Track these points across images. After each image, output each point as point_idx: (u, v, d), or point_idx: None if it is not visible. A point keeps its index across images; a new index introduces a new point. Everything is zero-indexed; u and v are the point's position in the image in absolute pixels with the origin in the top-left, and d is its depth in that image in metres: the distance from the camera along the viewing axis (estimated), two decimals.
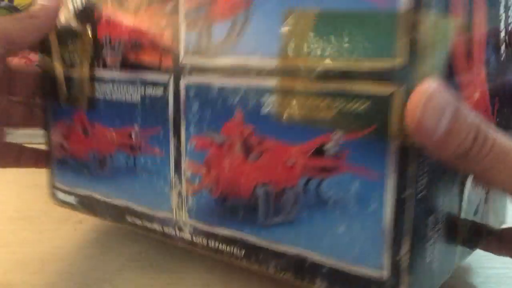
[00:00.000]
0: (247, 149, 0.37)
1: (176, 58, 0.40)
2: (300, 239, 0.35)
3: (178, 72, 0.41)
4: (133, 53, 0.44)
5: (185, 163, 0.41)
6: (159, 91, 0.42)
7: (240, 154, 0.38)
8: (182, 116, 0.41)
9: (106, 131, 0.47)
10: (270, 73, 0.35)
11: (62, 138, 0.52)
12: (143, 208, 0.45)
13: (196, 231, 0.42)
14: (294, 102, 0.34)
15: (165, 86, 0.42)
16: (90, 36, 0.47)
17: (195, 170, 0.41)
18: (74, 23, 0.47)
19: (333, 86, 0.32)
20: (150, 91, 0.43)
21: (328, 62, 0.32)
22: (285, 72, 0.34)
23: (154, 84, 0.42)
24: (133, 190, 0.46)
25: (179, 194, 0.42)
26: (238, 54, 0.36)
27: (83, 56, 0.48)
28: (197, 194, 0.41)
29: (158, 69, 0.42)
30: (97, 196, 0.49)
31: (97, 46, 0.46)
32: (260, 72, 0.36)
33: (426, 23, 0.28)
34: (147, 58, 0.43)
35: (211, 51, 0.38)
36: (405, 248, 0.30)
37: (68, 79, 0.49)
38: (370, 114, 0.30)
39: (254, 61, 0.36)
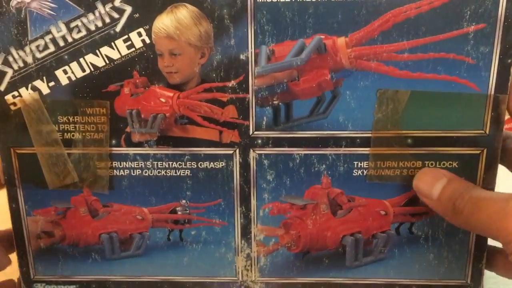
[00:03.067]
0: (335, 208, 0.45)
1: (244, 131, 0.42)
2: (389, 272, 0.46)
3: (246, 144, 0.42)
4: (179, 128, 0.42)
5: (256, 229, 0.45)
6: (219, 164, 0.43)
7: (326, 213, 0.45)
8: (253, 185, 0.44)
9: (132, 210, 0.45)
10: (362, 143, 0.42)
11: (48, 226, 0.46)
12: (193, 278, 0.48)
13: (268, 287, 0.48)
14: (387, 165, 0.43)
15: (228, 158, 0.43)
16: (105, 110, 0.41)
17: (269, 233, 0.45)
18: (69, 96, 0.41)
19: (425, 150, 0.42)
20: (206, 164, 0.43)
21: (423, 131, 0.41)
22: (379, 141, 0.42)
23: (213, 157, 0.43)
24: (176, 263, 0.47)
25: (248, 256, 0.46)
26: (325, 128, 0.41)
27: (92, 132, 0.42)
28: (272, 253, 0.46)
29: (217, 142, 0.43)
30: (113, 278, 0.48)
31: (116, 121, 0.42)
32: (351, 143, 0.42)
33: (504, 104, 0.40)
34: (201, 132, 0.42)
35: (291, 125, 0.41)
36: (484, 259, 0.45)
37: (70, 160, 0.43)
38: (458, 171, 0.42)
39: (344, 134, 0.42)
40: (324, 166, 0.43)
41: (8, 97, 0.41)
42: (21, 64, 0.40)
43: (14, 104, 0.42)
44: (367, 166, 0.43)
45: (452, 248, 0.45)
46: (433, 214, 0.44)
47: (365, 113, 0.41)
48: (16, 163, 0.43)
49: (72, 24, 0.39)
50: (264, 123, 0.42)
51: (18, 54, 0.40)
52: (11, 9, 0.39)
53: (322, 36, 0.39)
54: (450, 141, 0.41)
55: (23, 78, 0.41)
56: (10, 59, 0.40)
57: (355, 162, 0.43)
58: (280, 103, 0.41)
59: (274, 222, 0.45)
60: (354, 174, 0.43)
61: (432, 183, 0.40)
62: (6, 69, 0.40)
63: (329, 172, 0.43)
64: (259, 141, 0.42)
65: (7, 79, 0.41)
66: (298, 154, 0.42)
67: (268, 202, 0.44)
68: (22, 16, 0.39)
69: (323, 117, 0.41)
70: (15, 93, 0.41)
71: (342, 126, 0.41)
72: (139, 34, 0.39)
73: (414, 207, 0.44)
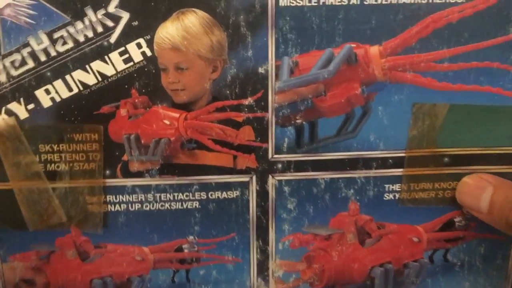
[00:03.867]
0: (363, 237, 0.40)
1: (262, 155, 0.36)
2: None
3: (264, 170, 0.37)
4: (186, 154, 0.36)
5: (274, 264, 0.40)
6: (233, 194, 0.38)
7: (353, 242, 0.40)
8: (271, 216, 0.38)
9: (129, 250, 0.38)
10: (394, 164, 0.37)
11: (29, 273, 0.39)
12: None
13: None
14: (421, 187, 0.38)
15: (244, 187, 0.37)
16: (97, 135, 0.35)
17: (289, 268, 0.40)
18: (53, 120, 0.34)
19: (463, 169, 0.37)
20: (217, 194, 0.37)
21: (461, 148, 0.37)
22: (413, 161, 0.37)
23: (225, 186, 0.37)
24: None
25: None
26: (354, 149, 0.37)
27: (81, 162, 0.35)
28: None
29: (231, 169, 0.37)
30: None
31: (110, 148, 0.36)
32: (382, 164, 0.37)
33: None
34: (212, 158, 0.36)
35: (315, 147, 0.36)
36: None
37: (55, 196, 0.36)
38: None
39: (375, 154, 0.37)
40: (352, 190, 0.38)
41: None
42: None
43: None
44: (399, 189, 0.38)
45: (490, 274, 0.41)
46: (470, 239, 0.40)
47: (399, 131, 0.36)
48: None
49: (56, 35, 0.33)
50: (285, 145, 0.36)
51: None
52: None
53: (353, 45, 0.34)
54: (492, 159, 0.37)
55: None
56: None
57: (386, 185, 0.38)
58: (303, 122, 0.36)
59: (295, 256, 0.40)
60: (385, 199, 0.38)
61: (478, 195, 0.36)
62: None
63: (358, 197, 0.38)
64: (279, 166, 0.37)
65: None
66: (323, 178, 0.37)
67: (289, 234, 0.39)
68: None
69: (352, 136, 0.36)
70: None
71: (372, 145, 0.37)
72: (139, 46, 0.33)
73: (449, 232, 0.39)
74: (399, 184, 0.38)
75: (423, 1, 0.33)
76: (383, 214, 0.39)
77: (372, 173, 0.37)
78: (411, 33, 0.34)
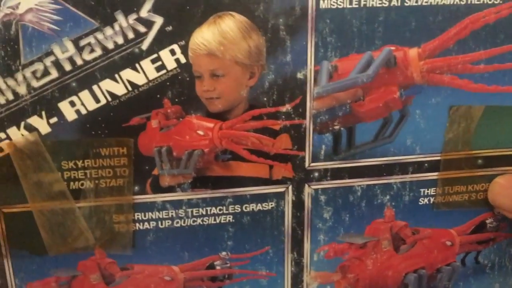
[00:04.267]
0: (398, 243, 0.39)
1: (298, 164, 0.35)
2: None
3: (301, 179, 0.35)
4: (220, 166, 0.34)
5: (309, 276, 0.38)
6: (268, 205, 0.36)
7: (388, 249, 0.39)
8: (307, 226, 0.37)
9: (158, 270, 0.36)
10: (430, 168, 0.37)
11: None
12: None
13: None
14: (455, 190, 0.38)
15: (279, 198, 0.36)
16: (125, 149, 0.32)
17: (324, 280, 0.39)
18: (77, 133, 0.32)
19: (496, 170, 0.37)
20: (252, 207, 0.35)
21: (494, 150, 0.37)
22: (448, 164, 0.37)
23: (261, 198, 0.35)
24: None
25: None
26: (390, 154, 0.36)
27: (108, 179, 0.33)
28: None
29: (266, 180, 0.35)
30: None
31: (139, 162, 0.33)
32: (418, 168, 0.37)
33: None
34: (247, 169, 0.34)
35: (352, 153, 0.35)
36: None
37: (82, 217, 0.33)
38: None
39: (411, 158, 0.36)
40: (388, 197, 0.37)
41: None
42: (10, 97, 0.30)
43: (0, 149, 0.31)
44: (434, 193, 0.37)
45: None
46: (500, 240, 0.40)
47: (435, 134, 0.36)
48: (2, 226, 0.33)
49: (83, 42, 0.30)
50: (322, 152, 0.35)
51: (5, 83, 0.30)
52: None
53: (392, 48, 0.33)
54: None
55: (13, 115, 0.31)
56: None
57: (422, 190, 0.37)
58: (341, 128, 0.35)
59: (329, 267, 0.38)
60: (420, 203, 0.38)
61: (510, 195, 0.36)
62: None
63: (393, 203, 0.37)
64: (316, 174, 0.35)
65: None
66: (360, 185, 0.36)
67: (324, 244, 0.38)
68: (11, 32, 0.29)
69: (389, 141, 0.36)
70: (1, 135, 0.31)
71: (409, 150, 0.36)
72: (172, 52, 0.31)
73: (481, 234, 0.39)
74: (434, 188, 0.37)
75: (461, 2, 0.33)
76: (417, 219, 0.38)
77: (408, 177, 0.37)
78: (450, 34, 0.33)
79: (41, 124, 0.31)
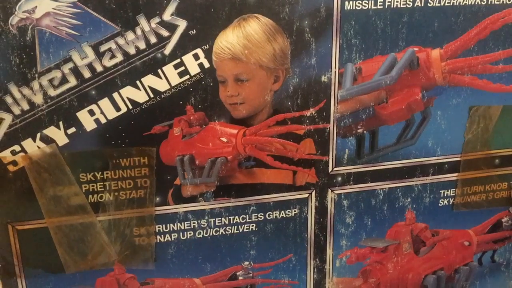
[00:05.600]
0: (418, 245, 0.39)
1: (322, 169, 0.34)
2: None
3: (324, 184, 0.34)
4: (244, 173, 0.33)
5: (331, 283, 0.38)
6: (292, 212, 0.35)
7: (409, 252, 0.38)
8: (330, 232, 0.36)
9: (179, 283, 0.34)
10: (449, 169, 0.37)
11: None
12: None
13: None
14: (473, 190, 0.38)
15: (303, 204, 0.35)
16: (147, 159, 0.30)
17: (346, 286, 0.38)
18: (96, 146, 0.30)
19: None
20: (275, 214, 0.34)
21: (510, 150, 0.37)
22: (468, 164, 0.37)
23: (284, 205, 0.34)
24: None
25: None
26: (412, 156, 0.36)
27: (128, 190, 0.31)
28: None
29: (290, 186, 0.34)
30: None
31: (160, 172, 0.32)
32: (438, 170, 0.36)
33: None
34: (271, 176, 0.33)
35: (375, 156, 0.35)
36: None
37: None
38: None
39: (432, 160, 0.36)
40: (409, 199, 0.37)
41: (4, 154, 0.29)
42: (26, 107, 0.29)
43: (14, 163, 0.29)
44: (453, 194, 0.37)
45: None
46: None
47: (455, 135, 0.36)
48: (16, 243, 0.31)
49: (103, 47, 0.29)
50: (345, 156, 0.34)
51: (20, 92, 0.28)
52: (11, 28, 0.27)
53: (416, 49, 0.33)
54: None
55: (29, 126, 0.29)
56: (8, 100, 0.28)
57: (442, 191, 0.37)
58: (364, 131, 0.34)
59: (351, 272, 0.38)
60: (440, 205, 0.38)
61: None
62: (1, 115, 0.28)
63: (414, 206, 0.37)
64: (339, 179, 0.35)
65: (2, 129, 0.29)
66: (382, 189, 0.36)
67: (346, 250, 0.37)
68: (27, 38, 0.27)
69: (411, 143, 0.35)
70: (16, 147, 0.29)
71: (430, 151, 0.36)
72: (196, 57, 0.30)
73: (497, 233, 0.40)
74: (454, 189, 0.37)
75: (482, 3, 0.33)
76: (437, 220, 0.38)
77: (429, 179, 0.37)
78: (470, 35, 0.33)
79: (58, 135, 0.30)
